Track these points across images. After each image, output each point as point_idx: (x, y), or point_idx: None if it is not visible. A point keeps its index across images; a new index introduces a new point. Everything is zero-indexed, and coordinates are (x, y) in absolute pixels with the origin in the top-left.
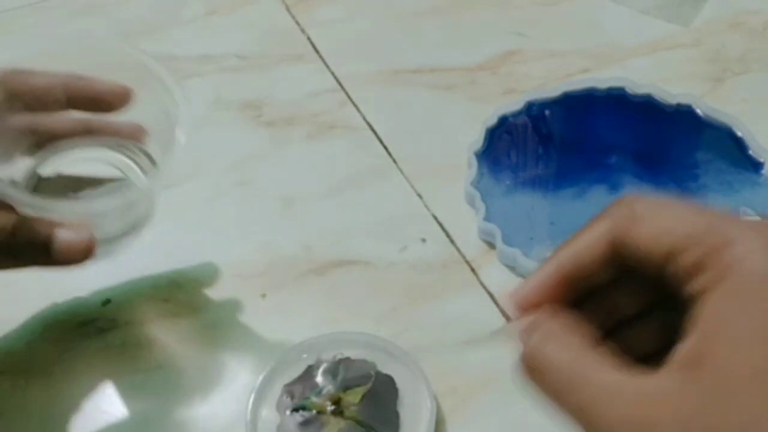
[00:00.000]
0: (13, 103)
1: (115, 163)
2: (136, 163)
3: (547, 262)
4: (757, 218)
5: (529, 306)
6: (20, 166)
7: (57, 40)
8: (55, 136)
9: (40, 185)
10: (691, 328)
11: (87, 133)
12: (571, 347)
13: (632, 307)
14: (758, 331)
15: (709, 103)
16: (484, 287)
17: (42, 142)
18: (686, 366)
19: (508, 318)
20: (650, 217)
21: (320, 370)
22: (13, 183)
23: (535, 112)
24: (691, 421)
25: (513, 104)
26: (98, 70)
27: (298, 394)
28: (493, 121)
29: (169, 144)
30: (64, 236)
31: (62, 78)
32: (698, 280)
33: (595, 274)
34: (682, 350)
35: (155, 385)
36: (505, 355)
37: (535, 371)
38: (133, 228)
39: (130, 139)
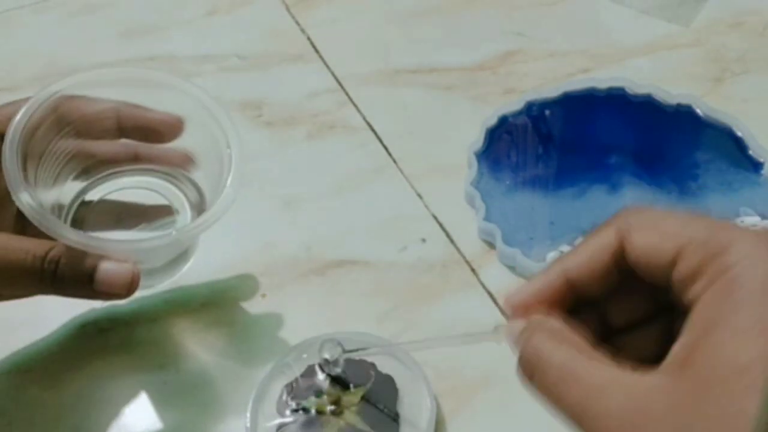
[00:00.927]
0: (63, 128)
1: (161, 191)
2: (182, 191)
3: (550, 267)
4: (757, 218)
5: (528, 309)
6: (67, 191)
7: (111, 69)
8: (103, 162)
9: (86, 210)
10: (684, 330)
11: (135, 159)
12: (570, 346)
13: (626, 316)
14: (744, 331)
15: (709, 103)
16: (484, 287)
17: (90, 167)
18: (677, 364)
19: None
20: (649, 226)
21: (320, 370)
22: (60, 207)
23: (535, 112)
24: (680, 415)
25: (513, 104)
26: (149, 99)
27: (298, 394)
28: (493, 121)
29: (217, 179)
30: (108, 269)
31: (114, 105)
32: (695, 287)
33: (598, 282)
34: (675, 350)
35: (155, 386)
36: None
37: (534, 370)
38: (176, 261)
39: (177, 167)
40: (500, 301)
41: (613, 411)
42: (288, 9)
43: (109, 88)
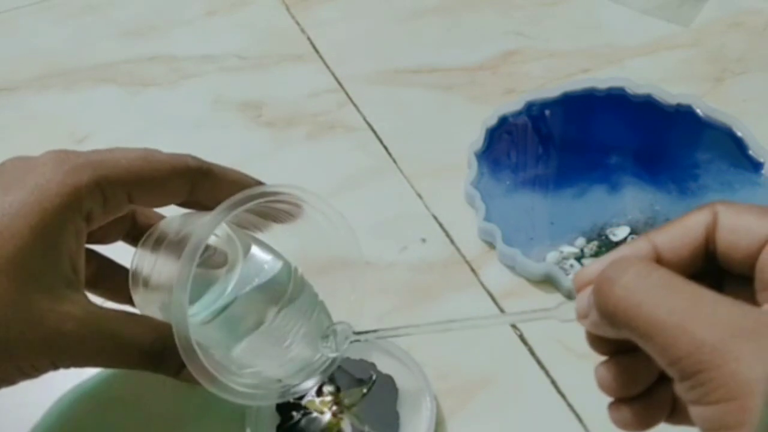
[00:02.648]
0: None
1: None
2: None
3: (635, 241)
4: None
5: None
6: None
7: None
8: None
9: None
10: None
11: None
12: (671, 275)
13: None
14: None
15: (709, 103)
16: (484, 287)
17: None
18: None
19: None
20: (745, 210)
21: None
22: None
23: (535, 112)
24: None
25: (513, 104)
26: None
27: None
28: (493, 121)
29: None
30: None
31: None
32: None
33: (686, 259)
34: None
35: (155, 386)
36: (505, 355)
37: (624, 274)
38: None
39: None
40: (500, 301)
41: (728, 320)
42: (288, 9)
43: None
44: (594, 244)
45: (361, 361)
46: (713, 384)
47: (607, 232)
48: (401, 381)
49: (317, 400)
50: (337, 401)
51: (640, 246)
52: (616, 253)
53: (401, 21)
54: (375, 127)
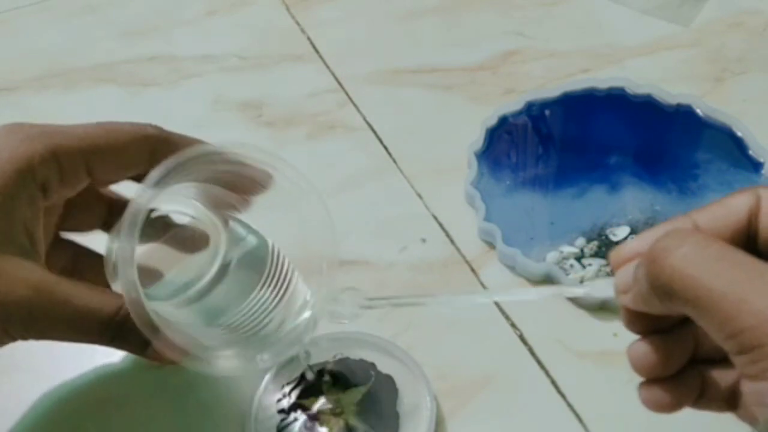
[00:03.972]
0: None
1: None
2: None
3: (678, 218)
4: None
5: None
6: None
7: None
8: None
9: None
10: None
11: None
12: (731, 248)
13: None
14: None
15: (709, 103)
16: (484, 287)
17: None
18: None
19: (508, 319)
20: None
21: (320, 370)
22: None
23: (535, 112)
24: None
25: (513, 104)
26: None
27: (299, 394)
28: (493, 121)
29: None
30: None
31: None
32: None
33: (726, 242)
34: None
35: (155, 386)
36: (505, 355)
37: (678, 247)
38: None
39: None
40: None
41: None
42: (288, 9)
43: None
44: (594, 244)
45: (361, 361)
46: None
47: (607, 232)
48: (401, 381)
49: (317, 400)
50: (337, 401)
51: (683, 223)
52: (664, 226)
53: (401, 21)
54: (375, 127)
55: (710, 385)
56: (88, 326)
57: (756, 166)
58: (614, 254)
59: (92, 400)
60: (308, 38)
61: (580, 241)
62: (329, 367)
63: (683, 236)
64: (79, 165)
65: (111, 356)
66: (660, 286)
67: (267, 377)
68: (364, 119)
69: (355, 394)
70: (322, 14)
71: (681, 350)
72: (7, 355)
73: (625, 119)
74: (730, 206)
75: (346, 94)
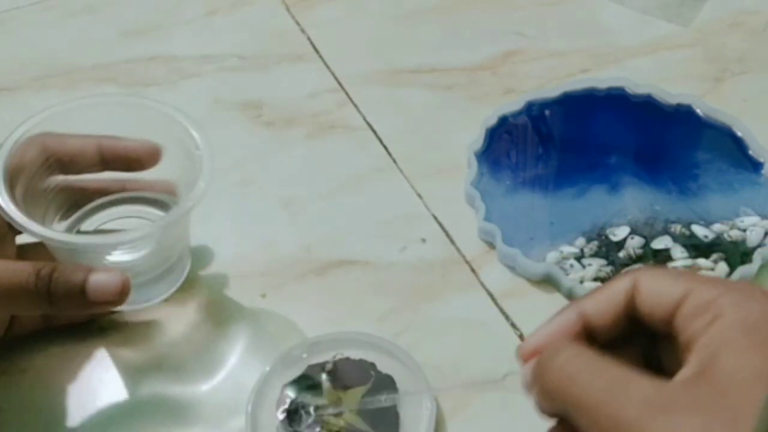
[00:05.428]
0: (50, 164)
1: (150, 218)
2: None
3: (565, 309)
4: (757, 218)
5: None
6: (58, 228)
7: (83, 101)
8: (92, 196)
9: None
10: (692, 357)
11: (122, 190)
12: (596, 356)
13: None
14: (743, 356)
15: (709, 103)
16: (484, 287)
17: (80, 201)
18: (694, 376)
19: (508, 319)
20: (660, 275)
21: (320, 370)
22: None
23: (535, 112)
24: (703, 407)
25: (513, 104)
26: (124, 125)
27: (298, 394)
28: (493, 121)
29: (192, 181)
30: (98, 278)
31: (95, 139)
32: (691, 327)
33: (610, 324)
34: (687, 370)
35: (155, 386)
36: (505, 355)
37: (553, 361)
38: (170, 275)
39: (163, 193)
40: (500, 301)
41: (642, 398)
42: (288, 9)
43: (80, 117)
44: (594, 244)
45: (361, 361)
46: None
47: (607, 232)
48: (401, 381)
49: (317, 400)
50: (337, 401)
51: (570, 316)
52: (547, 327)
53: (401, 21)
54: (375, 127)
55: None
56: (18, 288)
57: (756, 166)
58: (520, 349)
59: (93, 401)
60: (308, 38)
61: (580, 241)
62: (329, 367)
63: (558, 349)
64: None
65: (109, 369)
66: (546, 395)
67: (267, 377)
68: (364, 119)
69: (355, 394)
70: (322, 14)
71: None
72: None
73: (625, 119)
74: (610, 292)
75: (346, 94)
